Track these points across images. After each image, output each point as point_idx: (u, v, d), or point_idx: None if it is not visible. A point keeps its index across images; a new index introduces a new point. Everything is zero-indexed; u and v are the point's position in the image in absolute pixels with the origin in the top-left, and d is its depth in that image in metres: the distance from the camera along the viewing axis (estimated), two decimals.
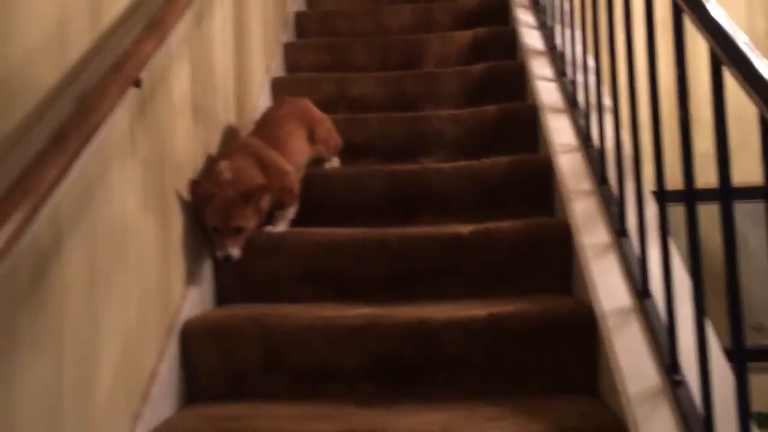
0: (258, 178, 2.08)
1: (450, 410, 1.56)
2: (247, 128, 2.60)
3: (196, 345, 1.81)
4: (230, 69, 2.51)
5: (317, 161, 2.55)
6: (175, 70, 1.93)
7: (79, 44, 1.44)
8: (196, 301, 1.96)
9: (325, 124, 2.54)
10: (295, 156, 2.32)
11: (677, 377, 1.40)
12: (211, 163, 2.16)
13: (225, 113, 2.42)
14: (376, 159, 2.69)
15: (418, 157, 2.67)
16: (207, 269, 2.06)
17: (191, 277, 1.96)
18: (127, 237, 1.60)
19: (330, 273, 2.09)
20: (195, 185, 1.95)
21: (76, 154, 1.23)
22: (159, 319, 1.76)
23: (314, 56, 3.33)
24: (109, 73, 1.41)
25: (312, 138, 2.45)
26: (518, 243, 2.02)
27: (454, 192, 2.35)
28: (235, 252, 1.95)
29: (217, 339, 1.81)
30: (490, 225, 2.08)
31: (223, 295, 2.10)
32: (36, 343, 1.22)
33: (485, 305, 1.80)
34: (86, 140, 1.27)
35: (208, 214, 1.95)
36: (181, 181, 1.95)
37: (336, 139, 2.58)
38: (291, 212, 2.23)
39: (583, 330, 1.70)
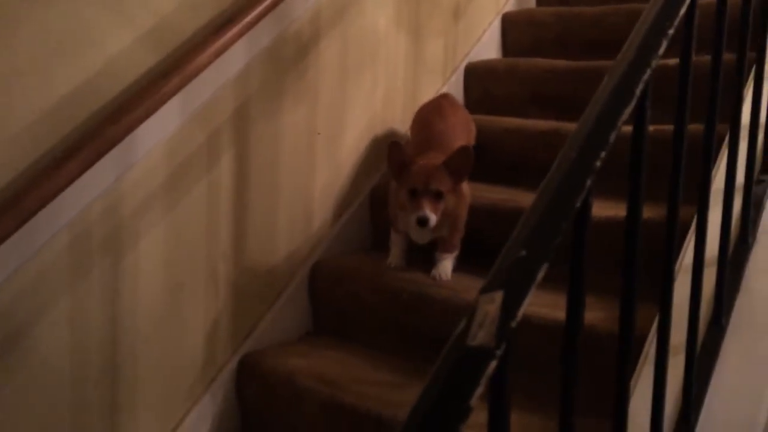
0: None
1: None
2: None
3: None
4: None
5: None
6: None
7: None
8: None
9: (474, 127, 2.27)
10: None
11: None
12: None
13: None
14: None
15: None
16: (458, 86, 2.57)
17: (441, 83, 2.50)
18: (378, 44, 2.20)
19: (552, 95, 2.43)
20: (393, 146, 1.87)
21: None
22: (404, 114, 2.35)
23: None
24: None
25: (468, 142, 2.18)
26: None
27: None
28: (433, 217, 1.80)
29: None
30: None
31: (469, 106, 2.61)
32: (297, 97, 1.92)
33: None
34: None
35: (409, 175, 1.84)
36: (438, 13, 2.45)
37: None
38: (453, 256, 1.97)
39: None
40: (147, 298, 1.61)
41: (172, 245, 1.65)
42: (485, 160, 2.30)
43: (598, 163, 0.70)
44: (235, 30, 1.56)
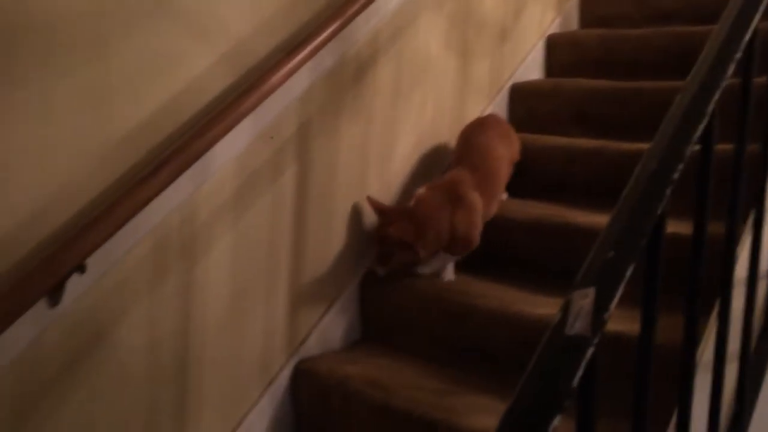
0: (433, 222, 1.99)
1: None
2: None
3: None
4: None
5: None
6: None
7: None
8: None
9: (519, 146, 2.36)
10: (500, 188, 2.22)
11: None
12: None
13: None
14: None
15: None
16: (502, 106, 2.66)
17: (487, 103, 2.59)
18: (429, 65, 2.30)
19: (595, 115, 2.50)
20: (369, 200, 2.04)
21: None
22: (451, 132, 2.44)
23: None
24: None
25: (510, 162, 2.29)
26: None
27: None
28: (380, 270, 2.04)
29: None
30: None
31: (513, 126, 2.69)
32: (353, 116, 2.02)
33: None
34: None
35: (376, 227, 2.05)
36: (485, 36, 2.55)
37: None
38: (452, 260, 2.12)
39: None
40: (214, 303, 1.71)
41: (238, 254, 1.75)
42: (528, 177, 2.38)
43: (676, 175, 0.77)
44: (304, 53, 1.67)
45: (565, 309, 0.70)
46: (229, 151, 1.65)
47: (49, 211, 1.35)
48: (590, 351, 0.66)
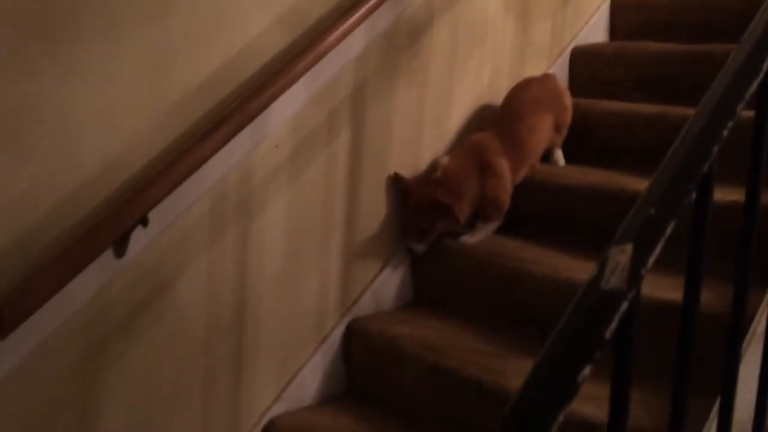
0: (464, 188, 2.00)
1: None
2: None
3: None
4: None
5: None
6: None
7: None
8: None
9: (569, 113, 2.26)
10: (532, 154, 2.16)
11: None
12: None
13: None
14: None
15: None
16: (563, 69, 2.61)
17: (547, 66, 2.54)
18: (486, 27, 2.27)
19: (660, 79, 2.42)
20: (395, 178, 2.02)
21: None
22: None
23: None
24: None
25: (555, 126, 2.23)
26: None
27: None
28: (419, 248, 2.04)
29: None
30: None
31: (573, 89, 2.64)
32: (408, 78, 2.02)
33: None
34: None
35: (402, 207, 2.04)
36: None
37: (568, 125, 2.29)
38: (492, 227, 2.12)
39: None
40: (270, 260, 1.76)
41: (293, 213, 1.80)
42: (586, 143, 2.34)
43: (726, 132, 0.76)
44: (359, 14, 1.68)
45: (602, 264, 0.70)
46: (286, 111, 1.68)
47: (113, 168, 1.42)
48: (624, 305, 0.66)
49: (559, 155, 2.30)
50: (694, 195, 0.80)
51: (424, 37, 2.05)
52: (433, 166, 2.04)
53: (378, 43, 1.91)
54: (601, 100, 2.44)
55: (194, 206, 1.56)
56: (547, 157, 2.29)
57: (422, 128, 2.12)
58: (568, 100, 2.27)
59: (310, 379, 1.92)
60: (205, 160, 1.46)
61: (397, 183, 2.03)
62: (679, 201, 0.72)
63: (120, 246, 1.42)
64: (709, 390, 1.20)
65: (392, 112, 2.00)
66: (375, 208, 2.03)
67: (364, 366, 1.98)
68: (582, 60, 2.63)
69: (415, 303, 2.16)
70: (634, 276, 0.67)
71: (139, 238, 1.46)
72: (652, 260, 0.69)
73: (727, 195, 1.65)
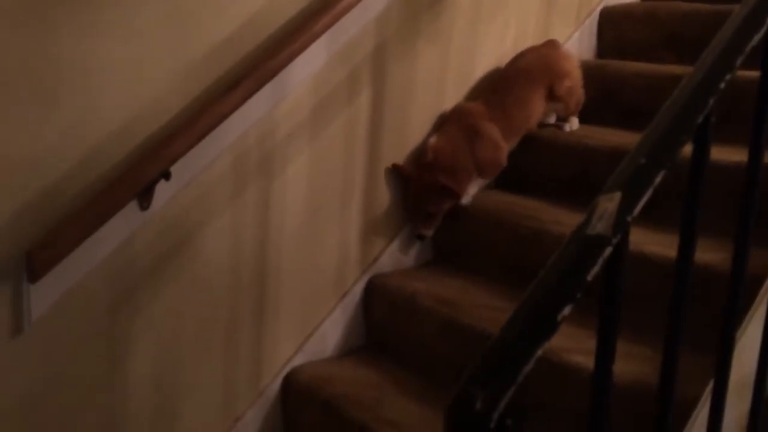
0: (458, 162, 2.01)
1: None
2: None
3: None
4: None
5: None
6: None
7: None
8: (572, 50, 2.51)
9: (570, 79, 2.18)
10: (523, 124, 2.13)
11: None
12: None
13: None
14: None
15: None
16: (591, 30, 2.57)
17: (574, 27, 2.51)
18: None
19: (689, 40, 2.37)
20: (394, 168, 2.03)
21: None
22: None
23: None
24: None
25: (551, 95, 2.16)
26: None
27: None
28: (429, 232, 2.07)
29: None
30: None
31: (601, 51, 2.60)
32: (430, 39, 2.02)
33: None
34: None
35: (405, 195, 2.06)
36: None
37: (578, 96, 2.22)
38: (483, 182, 2.15)
39: None
40: (291, 217, 1.81)
41: (314, 171, 1.83)
42: (611, 104, 2.31)
43: (723, 85, 0.76)
44: None
45: (591, 212, 0.72)
46: (305, 70, 1.71)
47: (136, 124, 1.47)
48: (608, 249, 0.68)
49: (573, 122, 2.23)
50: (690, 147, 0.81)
51: None
52: (424, 150, 2.02)
53: (400, 2, 1.91)
54: (628, 61, 2.40)
55: (216, 162, 1.61)
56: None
57: (444, 88, 2.12)
58: (569, 64, 2.19)
59: (330, 332, 1.98)
60: (225, 117, 1.50)
61: (397, 173, 2.04)
62: (671, 151, 0.73)
63: (144, 198, 1.47)
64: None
65: (414, 72, 2.01)
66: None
67: (383, 320, 2.03)
68: (611, 21, 2.59)
69: (436, 261, 2.20)
70: (620, 223, 0.69)
71: (162, 192, 1.51)
72: (638, 208, 0.71)
73: (733, 155, 1.64)
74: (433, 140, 2.02)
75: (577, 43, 2.54)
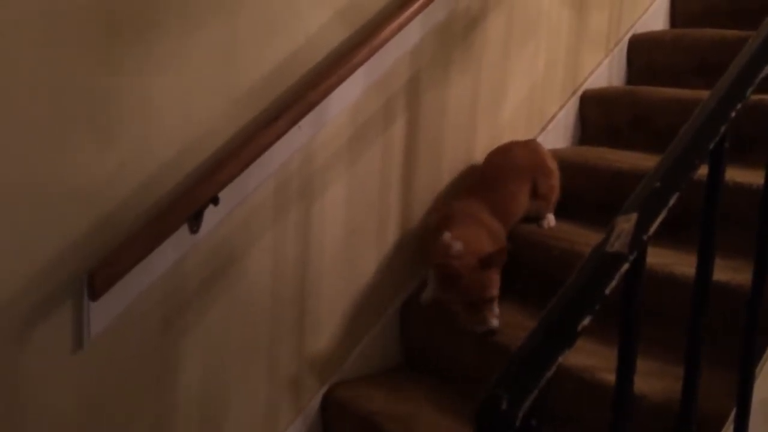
0: (489, 242, 1.93)
1: None
2: None
3: (587, 106, 2.47)
4: None
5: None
6: None
7: None
8: (602, 77, 2.58)
9: (554, 178, 2.17)
10: (512, 218, 2.12)
11: None
12: None
13: None
14: None
15: None
16: (620, 57, 2.62)
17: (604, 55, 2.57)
18: (541, 17, 2.32)
19: (719, 66, 2.40)
20: (443, 267, 1.84)
21: None
22: (564, 84, 2.46)
23: None
24: None
25: (534, 193, 2.14)
26: None
27: None
28: (496, 323, 1.83)
29: (600, 103, 2.44)
30: None
31: (630, 77, 2.65)
32: (463, 68, 2.11)
33: None
34: None
35: (463, 290, 1.82)
36: None
37: (557, 194, 2.20)
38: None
39: None
40: (329, 239, 1.89)
41: (351, 196, 1.92)
42: (642, 129, 2.36)
43: (734, 114, 0.82)
44: (415, 6, 1.78)
45: (609, 231, 0.79)
46: (344, 100, 1.81)
47: (187, 152, 1.58)
48: (625, 266, 0.74)
49: (550, 219, 2.18)
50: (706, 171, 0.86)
51: (479, 27, 2.13)
52: (444, 246, 1.87)
53: (433, 35, 2.01)
54: (657, 87, 2.45)
55: (260, 187, 1.71)
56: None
57: (476, 116, 2.20)
58: (553, 164, 2.18)
59: (370, 352, 2.04)
60: (270, 145, 1.60)
61: (445, 270, 1.84)
62: (684, 174, 0.79)
63: (194, 223, 1.57)
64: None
65: (446, 101, 2.09)
66: (430, 194, 2.12)
67: (419, 339, 2.08)
68: (640, 48, 2.64)
69: None
70: (637, 241, 0.76)
71: (211, 216, 1.61)
72: (654, 228, 0.77)
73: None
74: (448, 234, 1.89)
75: (607, 70, 2.59)
